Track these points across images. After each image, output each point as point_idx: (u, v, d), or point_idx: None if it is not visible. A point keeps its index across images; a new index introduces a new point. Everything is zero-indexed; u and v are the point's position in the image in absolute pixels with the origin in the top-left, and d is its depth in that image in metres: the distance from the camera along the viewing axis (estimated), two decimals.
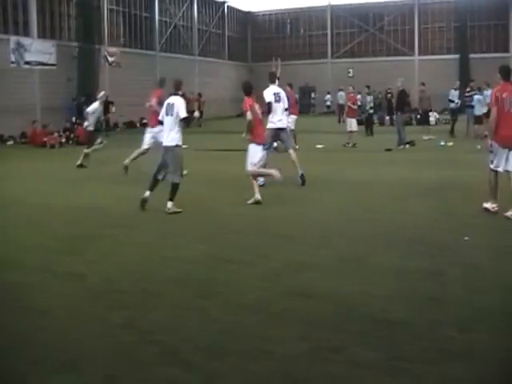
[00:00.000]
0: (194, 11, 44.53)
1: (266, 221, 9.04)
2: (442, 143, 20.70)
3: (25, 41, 27.83)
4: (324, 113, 44.56)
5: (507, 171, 8.95)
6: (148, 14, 38.88)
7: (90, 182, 13.49)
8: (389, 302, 5.30)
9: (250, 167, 10.63)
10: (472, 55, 42.85)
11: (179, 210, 9.63)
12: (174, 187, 9.73)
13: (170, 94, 10.21)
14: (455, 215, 9.07)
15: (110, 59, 33.71)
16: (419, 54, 47.03)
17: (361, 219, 8.98)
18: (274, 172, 10.51)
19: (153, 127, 12.77)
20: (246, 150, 10.85)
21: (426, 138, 22.60)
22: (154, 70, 36.58)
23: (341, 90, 35.03)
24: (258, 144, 10.65)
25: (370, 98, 28.35)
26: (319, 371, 4.05)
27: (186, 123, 10.43)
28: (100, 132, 17.13)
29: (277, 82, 18.41)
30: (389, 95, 25.96)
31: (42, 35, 29.31)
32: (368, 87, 30.11)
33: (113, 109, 30.20)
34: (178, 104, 9.89)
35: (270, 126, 12.15)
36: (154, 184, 9.95)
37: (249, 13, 53.39)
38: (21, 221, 9.44)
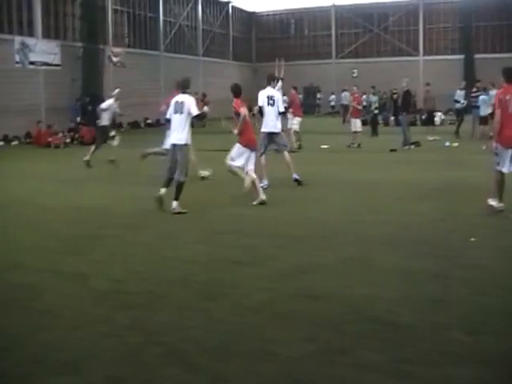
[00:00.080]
0: (199, 11, 44.56)
1: (271, 221, 9.03)
2: (447, 144, 20.65)
3: (29, 41, 27.88)
4: (328, 113, 44.51)
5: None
6: (152, 14, 38.93)
7: (94, 182, 13.50)
8: (395, 304, 5.27)
9: (228, 160, 10.60)
10: (477, 55, 42.72)
11: (184, 210, 9.60)
12: (180, 186, 9.66)
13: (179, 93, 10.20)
14: (460, 216, 9.04)
15: (115, 59, 33.71)
16: (424, 55, 46.96)
17: (366, 220, 8.95)
18: (247, 181, 10.36)
19: None
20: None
21: (431, 138, 22.54)
22: (159, 70, 36.62)
23: (345, 90, 34.98)
24: (243, 146, 10.53)
25: (375, 99, 28.34)
26: (325, 373, 4.03)
27: (198, 120, 10.36)
28: (111, 129, 16.84)
29: (279, 83, 18.51)
30: (395, 95, 25.88)
31: (47, 35, 29.36)
32: (373, 87, 30.11)
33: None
34: (189, 102, 9.85)
35: (263, 129, 12.09)
36: (168, 182, 9.88)
37: (253, 13, 53.39)
38: (23, 221, 9.44)
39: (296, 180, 12.21)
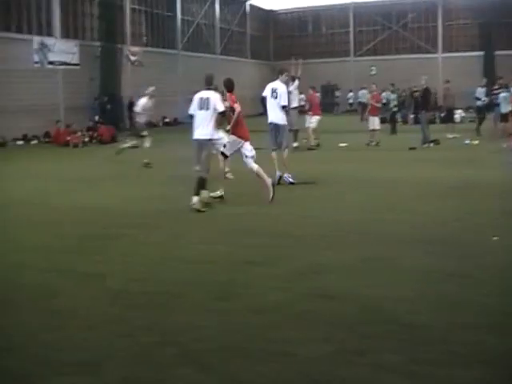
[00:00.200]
0: (216, 10, 44.59)
1: (285, 220, 8.95)
2: (467, 142, 20.42)
3: (48, 41, 28.06)
4: (346, 111, 44.33)
5: None
6: (170, 13, 39.02)
7: (110, 182, 13.56)
8: (412, 304, 5.18)
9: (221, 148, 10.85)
10: (497, 52, 42.25)
11: (204, 209, 9.59)
12: (201, 181, 9.71)
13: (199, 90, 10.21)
14: (480, 215, 8.90)
15: (132, 58, 33.86)
16: (443, 52, 46.60)
17: (384, 219, 8.84)
18: (228, 176, 10.64)
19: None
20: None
21: (450, 136, 22.32)
22: (176, 68, 36.69)
23: (363, 88, 34.80)
24: (238, 137, 10.65)
25: (393, 96, 28.12)
26: (342, 374, 3.96)
27: (223, 116, 10.36)
28: (145, 128, 16.58)
29: (296, 82, 18.46)
30: (416, 93, 25.52)
31: (65, 35, 29.55)
32: (392, 85, 29.88)
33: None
34: (215, 98, 9.93)
35: (269, 121, 12.29)
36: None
37: (271, 11, 53.34)
38: (38, 220, 9.45)
39: (280, 178, 12.08)
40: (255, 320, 4.94)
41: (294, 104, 19.57)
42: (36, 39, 27.49)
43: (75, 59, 29.52)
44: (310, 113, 20.25)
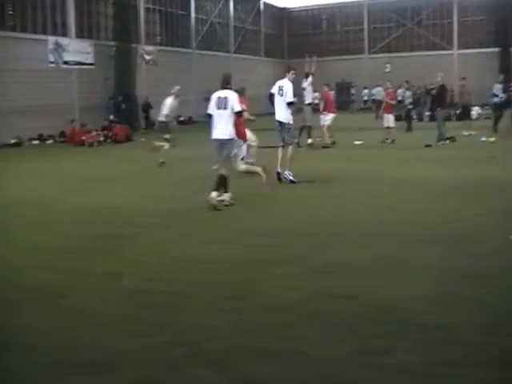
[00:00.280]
0: (230, 8, 44.58)
1: (298, 220, 8.89)
2: (484, 139, 20.24)
3: (63, 41, 28.20)
4: (361, 109, 44.15)
5: None
6: (184, 12, 39.06)
7: (124, 181, 13.60)
8: (427, 304, 5.12)
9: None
10: None
11: (220, 207, 9.61)
12: (222, 179, 9.77)
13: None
14: (497, 214, 8.78)
15: (147, 57, 33.96)
16: (458, 48, 46.24)
17: (398, 218, 8.74)
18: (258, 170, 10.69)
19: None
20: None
21: (466, 133, 22.15)
22: (190, 67, 36.73)
23: (378, 85, 34.64)
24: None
25: (409, 94, 27.93)
26: (357, 374, 3.92)
27: (240, 117, 10.33)
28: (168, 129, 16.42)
29: (310, 78, 18.48)
30: (433, 90, 25.22)
31: (80, 35, 29.68)
32: (407, 82, 29.68)
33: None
34: (233, 98, 9.93)
35: (276, 118, 12.39)
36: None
37: (284, 9, 53.25)
38: (52, 220, 9.48)
39: (278, 174, 12.11)
40: (269, 319, 4.90)
41: (308, 100, 19.55)
42: (51, 39, 27.64)
43: (90, 59, 29.65)
44: (325, 112, 20.16)
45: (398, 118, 23.20)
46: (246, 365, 4.11)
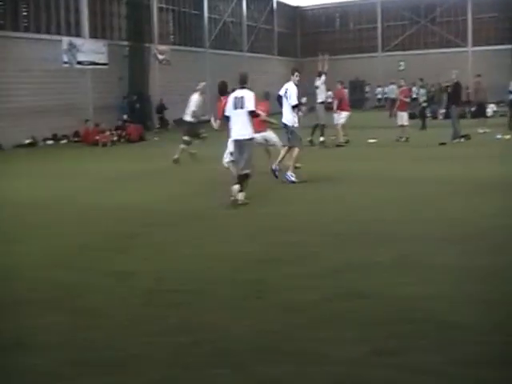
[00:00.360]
0: (243, 7, 44.54)
1: (311, 219, 8.83)
2: (499, 136, 20.07)
3: (77, 41, 28.30)
4: (375, 107, 43.98)
5: None
6: (197, 12, 39.06)
7: (137, 180, 13.59)
8: (449, 303, 5.05)
9: (227, 158, 10.85)
10: None
11: (247, 201, 9.73)
12: (244, 177, 9.81)
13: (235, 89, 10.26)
14: None
15: (160, 57, 34.02)
16: (473, 45, 45.90)
17: (418, 217, 8.66)
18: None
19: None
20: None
21: (481, 131, 21.98)
22: (204, 66, 36.73)
23: (392, 83, 34.48)
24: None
25: (423, 91, 27.77)
26: (377, 375, 3.87)
27: (253, 117, 10.31)
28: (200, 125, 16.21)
29: (323, 77, 18.45)
30: (448, 88, 24.94)
31: (94, 35, 29.76)
32: (421, 80, 29.51)
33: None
34: (248, 97, 9.93)
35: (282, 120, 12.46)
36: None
37: (297, 7, 53.13)
38: (68, 219, 9.50)
39: (274, 172, 12.07)
40: (284, 319, 4.86)
41: (321, 99, 19.49)
42: (65, 40, 27.74)
43: (104, 59, 29.74)
44: (338, 111, 20.05)
45: (412, 116, 23.05)
46: (261, 365, 4.07)
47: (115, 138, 25.32)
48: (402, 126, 20.70)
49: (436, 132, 21.73)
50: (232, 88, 10.69)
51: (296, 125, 12.26)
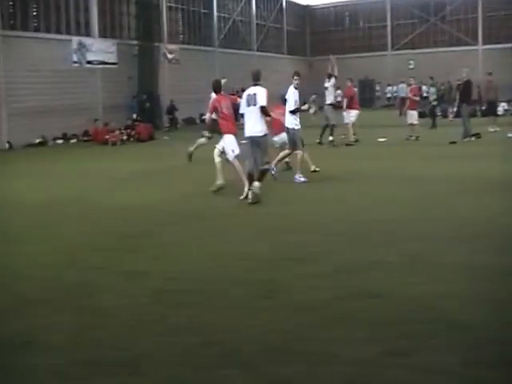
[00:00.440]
0: (253, 6, 44.52)
1: (322, 219, 8.80)
2: (510, 135, 19.93)
3: (86, 41, 28.38)
4: (385, 106, 43.85)
5: None
6: (206, 10, 39.09)
7: (148, 180, 13.60)
8: (460, 303, 5.02)
9: (232, 155, 10.73)
10: None
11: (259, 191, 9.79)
12: (264, 172, 9.98)
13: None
14: None
15: (170, 56, 34.05)
16: (483, 44, 45.66)
17: (428, 215, 8.63)
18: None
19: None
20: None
21: (491, 129, 21.85)
22: (213, 65, 36.75)
23: (402, 82, 34.36)
24: (233, 134, 10.78)
25: (433, 90, 27.63)
26: (389, 375, 3.84)
27: (264, 113, 10.29)
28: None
29: (332, 80, 18.39)
30: (461, 86, 24.74)
31: (103, 35, 29.85)
32: (431, 78, 29.38)
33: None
34: (260, 93, 9.95)
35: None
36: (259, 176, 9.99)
37: (307, 6, 53.05)
38: (78, 218, 9.51)
39: (273, 172, 12.03)
40: (296, 319, 4.84)
41: (329, 100, 19.44)
42: (74, 39, 27.84)
43: (113, 58, 29.81)
44: (347, 109, 19.98)
45: (422, 115, 22.94)
46: (272, 365, 4.05)
47: (125, 138, 25.39)
48: (412, 124, 20.61)
49: (446, 131, 21.62)
50: (241, 87, 10.71)
51: (297, 127, 12.18)
